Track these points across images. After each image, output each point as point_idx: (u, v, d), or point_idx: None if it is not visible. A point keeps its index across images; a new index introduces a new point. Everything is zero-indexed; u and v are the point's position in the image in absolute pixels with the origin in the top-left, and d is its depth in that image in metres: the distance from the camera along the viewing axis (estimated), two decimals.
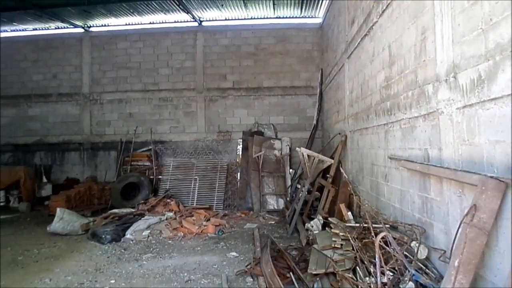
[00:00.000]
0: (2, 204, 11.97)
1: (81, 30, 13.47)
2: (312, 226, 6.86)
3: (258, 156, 11.20)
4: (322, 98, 12.04)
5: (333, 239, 5.16)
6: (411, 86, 4.36)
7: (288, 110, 12.62)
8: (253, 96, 12.75)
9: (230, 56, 12.91)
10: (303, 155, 8.47)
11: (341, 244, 5.00)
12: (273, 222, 9.43)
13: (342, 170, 7.44)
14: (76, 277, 5.72)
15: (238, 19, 12.78)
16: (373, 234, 4.39)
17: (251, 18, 12.70)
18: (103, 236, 7.65)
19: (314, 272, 4.71)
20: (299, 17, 12.61)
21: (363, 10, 6.53)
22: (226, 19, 12.81)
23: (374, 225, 4.61)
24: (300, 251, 6.31)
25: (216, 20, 12.85)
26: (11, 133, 13.94)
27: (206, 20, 12.87)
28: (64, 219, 8.39)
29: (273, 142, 11.67)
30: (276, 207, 10.83)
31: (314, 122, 12.12)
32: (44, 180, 12.81)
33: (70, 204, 10.49)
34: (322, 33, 12.28)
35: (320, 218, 6.99)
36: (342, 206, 6.36)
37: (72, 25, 13.15)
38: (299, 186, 10.01)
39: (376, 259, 3.41)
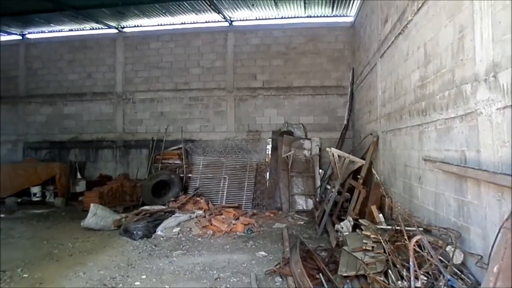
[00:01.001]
0: (38, 198, 12.41)
1: (115, 30, 13.79)
2: (342, 228, 6.78)
3: (287, 156, 11.17)
4: (353, 98, 11.88)
5: (364, 241, 5.07)
6: (447, 85, 4.24)
7: (318, 110, 12.51)
8: (283, 95, 12.71)
9: (260, 55, 12.91)
10: (333, 156, 8.39)
11: (372, 247, 4.91)
12: (302, 223, 9.39)
13: (374, 171, 7.31)
14: (108, 272, 5.86)
15: (269, 18, 12.76)
16: (406, 237, 4.30)
17: (282, 18, 12.65)
18: (135, 232, 7.82)
19: (345, 274, 4.64)
20: (330, 16, 12.47)
21: (397, 8, 6.39)
22: (256, 19, 12.83)
23: (407, 228, 4.51)
24: (330, 253, 6.24)
25: (246, 20, 12.89)
26: (48, 131, 14.46)
27: (237, 20, 12.93)
28: (98, 215, 8.63)
29: (302, 142, 11.60)
30: (305, 208, 10.77)
31: (345, 122, 11.97)
32: (79, 176, 13.23)
33: (103, 200, 10.77)
34: (353, 32, 12.11)
35: (350, 219, 6.90)
36: (374, 208, 6.25)
37: (106, 26, 13.48)
38: (328, 187, 9.93)
39: (410, 263, 3.33)
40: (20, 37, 14.65)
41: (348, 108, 11.96)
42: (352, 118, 11.92)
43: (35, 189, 12.42)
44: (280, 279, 5.33)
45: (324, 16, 12.49)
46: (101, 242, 7.68)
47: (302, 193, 11.04)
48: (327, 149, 8.96)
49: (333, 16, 12.45)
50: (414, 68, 5.48)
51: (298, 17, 12.56)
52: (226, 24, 12.96)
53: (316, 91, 12.53)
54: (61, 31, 14.21)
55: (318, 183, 11.02)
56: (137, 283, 5.39)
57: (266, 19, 12.80)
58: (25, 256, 6.70)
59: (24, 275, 5.71)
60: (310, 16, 12.50)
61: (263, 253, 6.74)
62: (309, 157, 11.40)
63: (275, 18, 12.73)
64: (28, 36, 14.64)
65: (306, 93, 12.58)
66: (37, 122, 14.60)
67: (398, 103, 6.33)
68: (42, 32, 14.37)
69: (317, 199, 10.51)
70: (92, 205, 8.89)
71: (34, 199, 12.34)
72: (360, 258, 4.73)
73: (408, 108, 5.71)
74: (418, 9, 5.23)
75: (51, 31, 14.30)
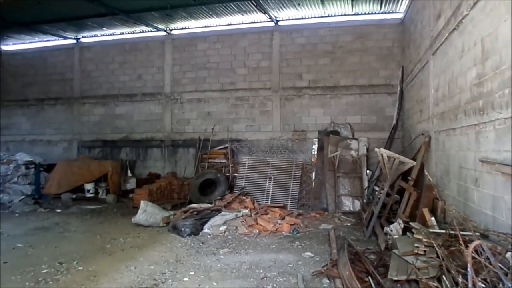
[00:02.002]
0: (92, 195, 12.96)
1: (164, 33, 14.16)
2: (392, 230, 6.59)
3: (334, 156, 11.01)
4: (402, 97, 11.51)
5: (416, 244, 4.90)
6: (507, 83, 4.01)
7: (366, 109, 12.23)
8: (329, 95, 12.54)
9: (306, 54, 12.80)
10: (382, 156, 8.17)
11: (425, 251, 4.74)
12: (349, 224, 9.23)
13: (426, 173, 7.06)
14: (158, 267, 6.03)
15: (315, 17, 12.62)
16: (461, 241, 4.11)
17: (328, 16, 12.48)
18: (183, 229, 8.00)
19: (395, 278, 4.51)
20: (378, 13, 12.16)
21: (451, 3, 6.13)
22: (302, 18, 12.73)
23: (462, 233, 4.31)
24: (379, 256, 6.09)
25: (292, 19, 12.82)
26: (101, 130, 15.10)
27: (283, 20, 12.89)
28: (147, 212, 8.90)
29: (349, 142, 11.40)
30: (352, 209, 10.58)
31: (394, 121, 11.62)
32: (129, 174, 13.72)
33: (152, 197, 11.07)
34: (403, 28, 11.74)
35: (400, 222, 6.69)
36: (425, 211, 6.03)
37: (155, 29, 13.88)
38: (376, 188, 9.70)
39: (468, 269, 3.19)
40: (74, 41, 15.39)
41: (397, 107, 11.60)
42: (402, 117, 11.56)
43: (89, 186, 12.98)
44: (328, 281, 5.26)
45: (372, 13, 12.20)
46: (150, 238, 7.92)
47: (348, 194, 10.85)
48: (376, 149, 8.73)
49: (382, 13, 12.12)
50: (470, 65, 5.24)
51: (345, 15, 12.34)
52: (272, 24, 12.97)
53: (363, 90, 12.25)
54: (113, 34, 14.80)
55: (366, 184, 10.79)
56: (185, 279, 5.51)
57: (312, 18, 12.67)
58: (80, 249, 7.03)
59: (80, 268, 6.00)
60: (358, 14, 12.25)
61: (309, 253, 6.68)
62: (356, 158, 11.18)
63: (321, 17, 12.57)
64: (82, 40, 15.34)
65: (353, 92, 12.33)
66: (90, 122, 15.28)
67: (453, 101, 6.07)
68: (95, 36, 15.04)
69: (365, 201, 10.29)
70: (142, 202, 9.18)
71: (88, 195, 12.91)
72: (411, 262, 4.58)
73: (464, 107, 5.46)
74: (475, 3, 4.99)
75: (103, 35, 14.93)
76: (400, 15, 11.88)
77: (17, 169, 13.24)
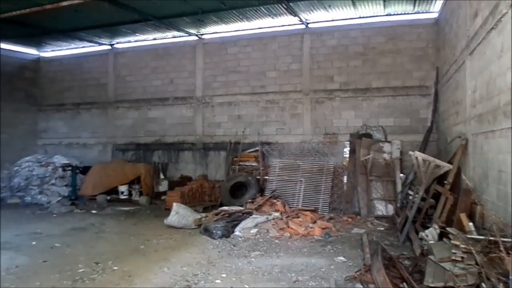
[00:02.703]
0: (125, 197, 13.29)
1: (195, 37, 14.35)
2: (427, 236, 6.42)
3: (366, 159, 10.84)
4: (437, 99, 11.21)
5: (453, 251, 4.76)
6: None
7: (399, 111, 11.98)
8: (361, 97, 12.36)
9: (337, 56, 12.67)
10: (417, 159, 7.98)
11: (462, 257, 4.60)
12: (382, 229, 9.06)
13: (464, 177, 6.84)
14: (190, 268, 6.10)
15: (346, 19, 12.46)
16: (502, 248, 3.97)
17: (360, 17, 12.30)
18: (214, 232, 8.06)
19: (431, 285, 4.40)
20: (411, 13, 11.90)
21: (489, 2, 5.93)
22: (333, 20, 12.59)
23: (502, 239, 4.16)
24: (414, 261, 5.94)
25: (323, 21, 12.72)
26: (134, 134, 15.44)
27: (313, 22, 12.81)
28: (180, 214, 9.02)
29: (382, 145, 11.19)
30: (385, 213, 10.38)
31: (429, 124, 11.32)
32: (161, 176, 13.96)
33: (184, 199, 11.21)
34: (437, 29, 11.45)
35: (436, 227, 6.51)
36: (463, 216, 5.85)
37: (187, 34, 14.08)
38: (410, 192, 9.47)
39: (510, 277, 3.06)
40: (109, 47, 15.82)
41: (432, 109, 11.30)
42: (437, 119, 11.24)
43: (123, 188, 13.32)
44: (361, 286, 5.17)
45: (405, 14, 11.95)
46: (183, 239, 8.02)
47: (381, 198, 10.65)
48: (410, 152, 8.54)
49: (415, 13, 11.84)
50: (509, 65, 5.05)
51: (377, 16, 12.13)
52: (302, 26, 12.91)
53: (396, 92, 12.01)
54: (146, 40, 15.10)
55: (399, 188, 10.55)
56: (217, 281, 5.54)
57: (343, 19, 12.52)
58: (115, 249, 7.21)
59: (115, 268, 6.14)
60: (390, 14, 12.02)
61: (342, 258, 6.59)
62: (389, 161, 10.97)
63: (353, 18, 12.40)
64: (116, 46, 15.74)
65: (385, 94, 12.10)
66: (124, 126, 15.66)
67: (491, 103, 5.87)
68: (128, 41, 15.40)
69: (398, 205, 10.07)
70: (174, 204, 9.32)
71: (122, 197, 13.24)
72: (448, 269, 4.46)
73: (504, 109, 5.26)
74: None
75: (136, 41, 15.26)
76: (434, 15, 11.59)
77: (55, 172, 13.77)
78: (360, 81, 12.39)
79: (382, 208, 10.52)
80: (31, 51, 16.83)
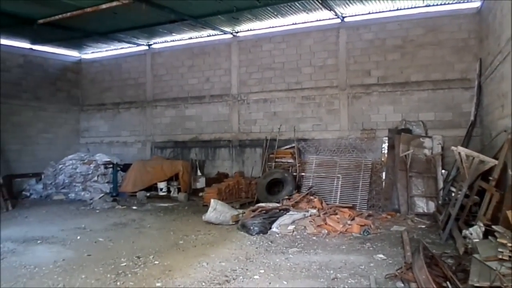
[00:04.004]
0: (164, 193, 13.62)
1: (230, 35, 14.44)
2: (471, 234, 6.20)
3: (405, 155, 10.58)
4: (480, 92, 10.76)
5: (499, 249, 4.59)
6: None
7: (439, 105, 11.58)
8: (399, 91, 12.05)
9: (374, 50, 12.40)
10: (459, 155, 7.70)
11: (510, 256, 4.42)
12: (423, 226, 8.82)
13: (510, 173, 6.54)
14: (229, 264, 6.16)
15: (383, 11, 12.15)
16: None
17: (397, 9, 11.97)
18: (252, 228, 8.11)
19: (477, 285, 4.25)
20: (452, 3, 11.46)
21: None
22: (369, 13, 12.32)
23: None
24: (457, 260, 5.77)
25: (359, 15, 12.47)
26: (172, 131, 15.77)
27: (349, 16, 12.58)
28: (217, 210, 9.13)
29: (422, 141, 10.89)
30: (425, 210, 10.10)
31: (472, 118, 10.87)
32: (199, 173, 14.20)
33: (221, 196, 11.33)
34: (480, 19, 10.98)
35: (481, 225, 6.27)
36: (510, 214, 5.59)
37: (222, 32, 14.19)
38: (453, 189, 9.16)
39: None
40: (146, 47, 16.18)
41: (475, 102, 10.83)
42: (480, 113, 10.79)
43: (162, 185, 13.65)
44: (402, 285, 5.06)
45: (444, 4, 11.53)
46: (220, 235, 8.11)
47: (422, 194, 10.37)
48: (452, 147, 8.24)
49: (455, 3, 11.40)
50: None
51: (415, 7, 11.75)
52: (338, 20, 12.73)
53: (437, 85, 11.62)
54: (182, 39, 15.34)
55: (441, 184, 10.24)
56: (256, 276, 5.57)
57: (379, 12, 12.22)
58: (155, 244, 7.38)
59: (155, 262, 6.29)
60: (429, 5, 11.63)
61: (381, 256, 6.47)
62: (430, 157, 10.65)
63: (390, 11, 12.07)
64: (153, 46, 16.08)
65: (425, 87, 11.73)
66: (162, 124, 16.01)
67: None
68: (165, 41, 15.69)
69: (440, 202, 9.77)
70: (212, 200, 9.44)
71: (161, 193, 13.57)
72: (495, 268, 4.29)
73: None
74: None
75: (173, 40, 15.53)
76: (477, 4, 11.11)
77: (97, 169, 14.29)
78: (398, 75, 12.08)
79: (423, 205, 10.25)
80: (73, 53, 17.48)
